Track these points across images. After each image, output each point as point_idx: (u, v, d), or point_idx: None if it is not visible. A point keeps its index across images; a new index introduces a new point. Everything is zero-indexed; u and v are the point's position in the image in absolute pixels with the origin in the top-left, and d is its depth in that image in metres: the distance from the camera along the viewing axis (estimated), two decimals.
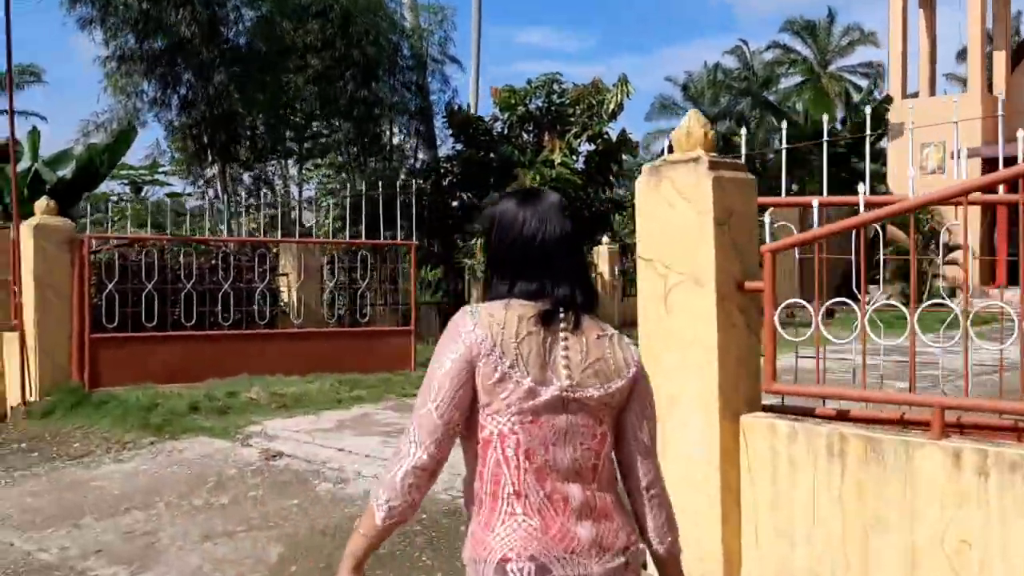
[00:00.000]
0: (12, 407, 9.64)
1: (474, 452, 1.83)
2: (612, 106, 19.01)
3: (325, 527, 5.58)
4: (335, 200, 16.86)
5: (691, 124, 4.15)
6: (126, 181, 21.05)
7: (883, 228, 4.27)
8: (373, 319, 11.95)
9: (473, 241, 14.63)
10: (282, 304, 11.92)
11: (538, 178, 17.16)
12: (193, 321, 10.17)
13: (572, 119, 19.08)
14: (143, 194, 23.51)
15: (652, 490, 1.94)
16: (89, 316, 9.44)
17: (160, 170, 20.26)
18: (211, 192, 19.93)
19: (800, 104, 38.08)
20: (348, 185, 17.95)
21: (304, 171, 19.77)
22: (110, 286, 9.69)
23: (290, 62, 14.89)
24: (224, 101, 13.20)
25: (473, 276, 15.12)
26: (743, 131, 4.49)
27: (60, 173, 15.22)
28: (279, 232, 12.26)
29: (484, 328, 1.79)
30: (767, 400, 4.26)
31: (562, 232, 1.91)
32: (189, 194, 20.60)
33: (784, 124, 4.91)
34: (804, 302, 4.05)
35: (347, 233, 11.78)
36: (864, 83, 40.68)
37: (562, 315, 1.85)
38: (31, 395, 9.32)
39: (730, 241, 4.06)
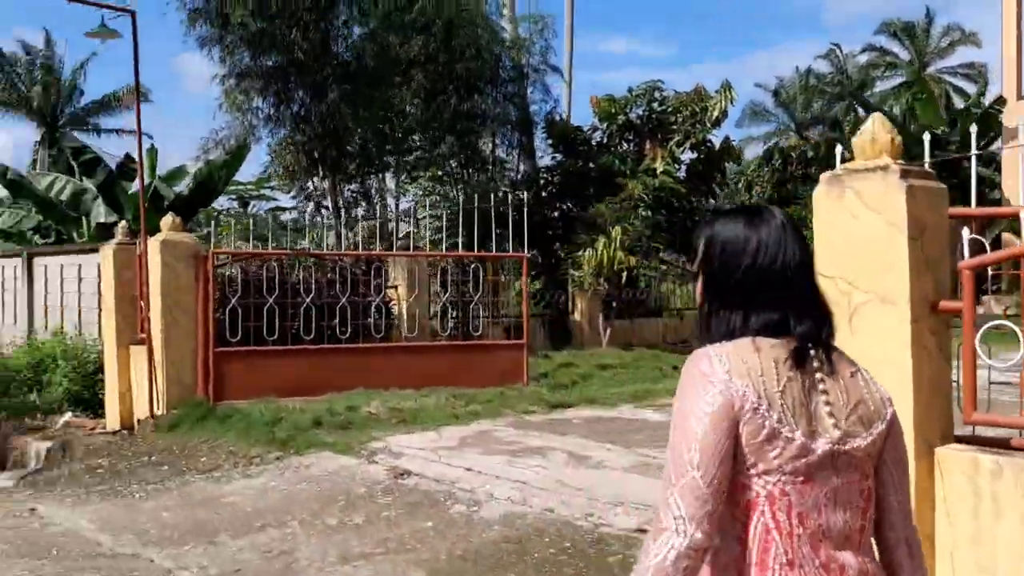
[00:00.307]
0: (140, 420, 9.86)
1: (731, 516, 1.62)
2: (716, 113, 18.54)
3: (465, 552, 5.42)
4: (437, 212, 16.89)
5: (875, 129, 3.84)
6: (234, 196, 21.62)
7: (997, 236, 3.90)
8: (484, 332, 11.82)
9: (581, 252, 14.39)
10: (392, 317, 11.93)
11: (641, 187, 16.84)
12: (312, 335, 10.20)
13: (674, 127, 18.68)
14: (250, 208, 24.17)
15: (911, 543, 1.76)
16: (213, 330, 9.56)
17: (267, 185, 20.72)
18: (311, 205, 20.26)
19: (897, 107, 36.81)
20: (451, 198, 17.98)
21: (400, 184, 19.90)
22: (233, 301, 9.80)
23: (395, 77, 14.98)
24: (335, 117, 13.33)
25: (579, 287, 14.88)
26: (897, 138, 4.04)
27: (176, 189, 15.68)
28: (393, 246, 12.28)
29: (743, 377, 1.58)
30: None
31: (802, 255, 1.70)
32: (294, 208, 21.03)
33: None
34: (1011, 323, 3.68)
35: (459, 245, 11.72)
36: (965, 85, 39.12)
37: (812, 353, 1.65)
38: (158, 408, 9.49)
39: (923, 257, 3.72)
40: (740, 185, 26.33)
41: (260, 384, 9.53)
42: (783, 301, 1.67)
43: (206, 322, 9.54)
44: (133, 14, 9.58)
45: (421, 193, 22.21)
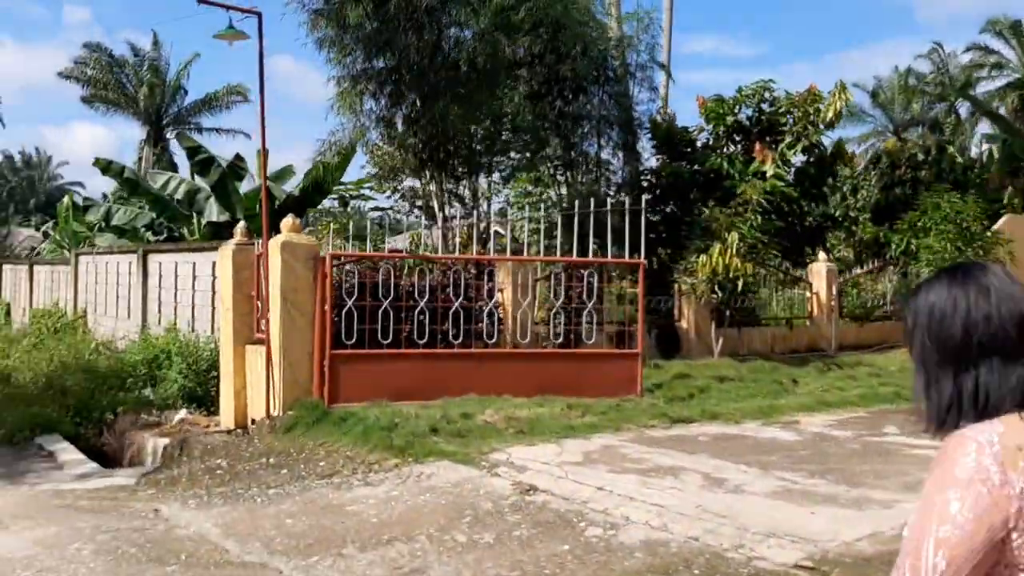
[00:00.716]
0: (254, 419, 9.86)
1: None
2: (830, 114, 17.79)
3: None
4: (541, 215, 16.62)
5: None
6: (335, 196, 21.92)
7: None
8: (598, 341, 11.47)
9: (695, 258, 13.87)
10: (501, 322, 11.69)
11: (754, 191, 16.23)
12: (425, 339, 10.03)
13: (784, 128, 18.01)
14: (349, 208, 24.42)
15: None
16: (330, 332, 9.49)
17: (366, 185, 20.92)
18: (405, 206, 20.21)
19: (1003, 108, 35.10)
20: (547, 199, 17.66)
21: (493, 185, 19.71)
22: (349, 303, 9.70)
23: (502, 77, 14.79)
24: (446, 119, 13.22)
25: (692, 294, 14.33)
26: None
27: (285, 188, 15.85)
28: (507, 249, 12.04)
29: (1019, 471, 1.41)
30: None
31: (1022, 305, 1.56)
32: (390, 208, 21.08)
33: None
34: None
35: (571, 250, 11.42)
36: None
37: None
38: (274, 409, 9.46)
39: None
40: (845, 188, 25.38)
41: (374, 387, 9.42)
42: (1016, 364, 1.52)
43: (323, 324, 9.47)
44: (259, 16, 9.59)
45: (514, 196, 21.96)
